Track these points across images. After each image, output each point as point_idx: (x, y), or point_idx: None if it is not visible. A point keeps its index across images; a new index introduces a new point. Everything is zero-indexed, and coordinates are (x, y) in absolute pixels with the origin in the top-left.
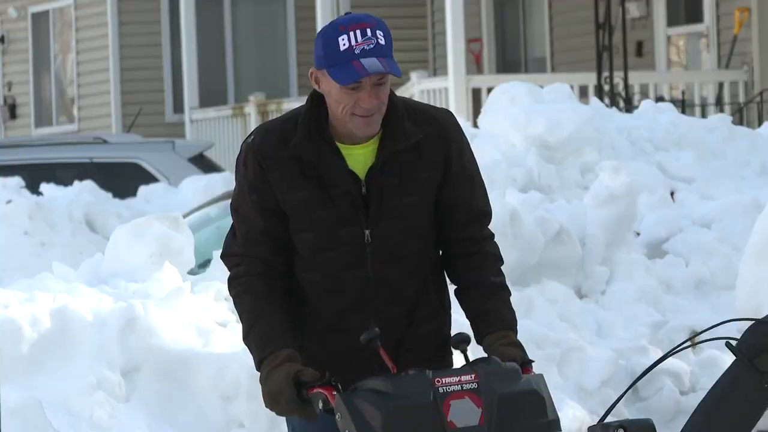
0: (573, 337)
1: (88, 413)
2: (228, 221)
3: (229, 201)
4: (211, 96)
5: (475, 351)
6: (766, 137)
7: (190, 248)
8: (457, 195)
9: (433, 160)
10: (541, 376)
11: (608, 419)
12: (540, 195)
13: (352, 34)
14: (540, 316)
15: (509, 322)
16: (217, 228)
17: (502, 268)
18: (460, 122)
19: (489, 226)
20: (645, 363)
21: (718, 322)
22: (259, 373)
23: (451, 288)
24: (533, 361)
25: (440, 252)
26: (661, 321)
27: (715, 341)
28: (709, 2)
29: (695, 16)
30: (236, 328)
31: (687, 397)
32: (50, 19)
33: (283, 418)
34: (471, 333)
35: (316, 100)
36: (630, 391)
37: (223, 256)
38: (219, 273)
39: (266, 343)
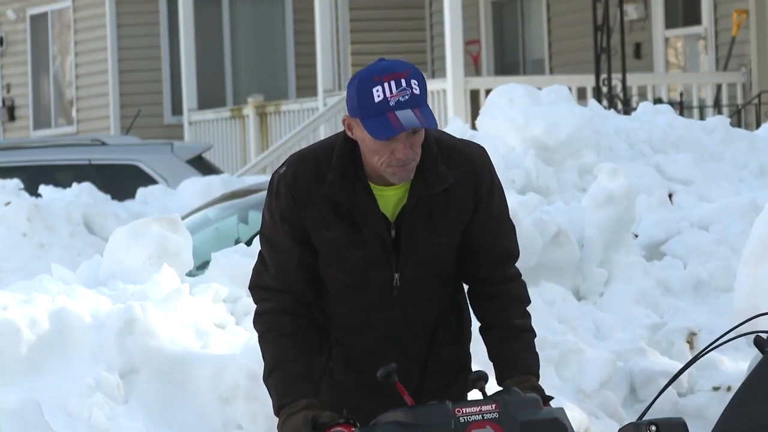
0: (571, 339)
1: (86, 415)
2: (227, 222)
3: (228, 202)
4: (209, 98)
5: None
6: (764, 139)
7: (188, 250)
8: (482, 235)
9: (462, 200)
10: (561, 409)
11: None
12: (538, 197)
13: (386, 85)
14: (538, 318)
15: (530, 366)
16: (216, 230)
17: (528, 308)
18: (491, 159)
19: (515, 267)
20: (643, 365)
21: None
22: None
23: (476, 324)
24: (552, 398)
25: (464, 285)
26: (660, 323)
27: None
28: (707, 4)
29: (693, 18)
30: (235, 329)
31: (685, 399)
32: (49, 20)
33: None
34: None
35: (350, 138)
36: (628, 392)
37: (252, 287)
38: (217, 275)
39: (286, 391)
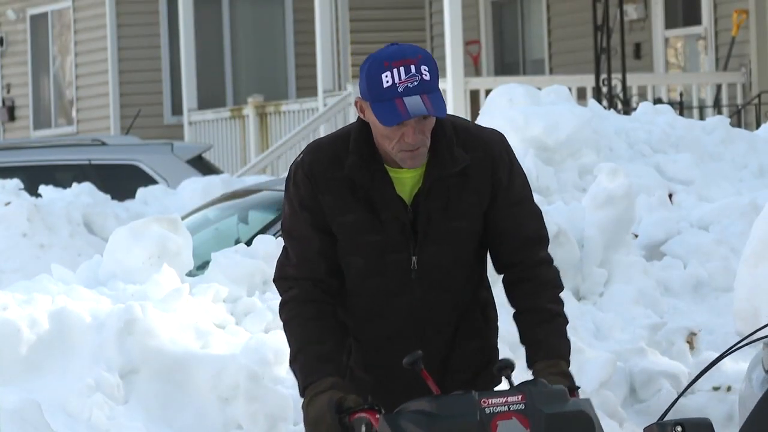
0: (571, 339)
1: (86, 415)
2: (227, 222)
3: (228, 202)
4: (209, 98)
5: (524, 377)
6: (764, 139)
7: (188, 250)
8: (506, 220)
9: (480, 184)
10: (588, 400)
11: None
12: (538, 197)
13: (395, 71)
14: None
15: (560, 351)
16: (216, 230)
17: (561, 294)
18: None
19: (546, 250)
20: (643, 365)
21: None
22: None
23: (510, 310)
24: (579, 387)
25: (497, 275)
26: (660, 323)
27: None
28: (707, 4)
29: (693, 18)
30: (235, 329)
31: (685, 399)
32: (49, 21)
33: (282, 420)
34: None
35: (366, 122)
36: (628, 392)
37: (276, 280)
38: (217, 275)
39: (311, 370)
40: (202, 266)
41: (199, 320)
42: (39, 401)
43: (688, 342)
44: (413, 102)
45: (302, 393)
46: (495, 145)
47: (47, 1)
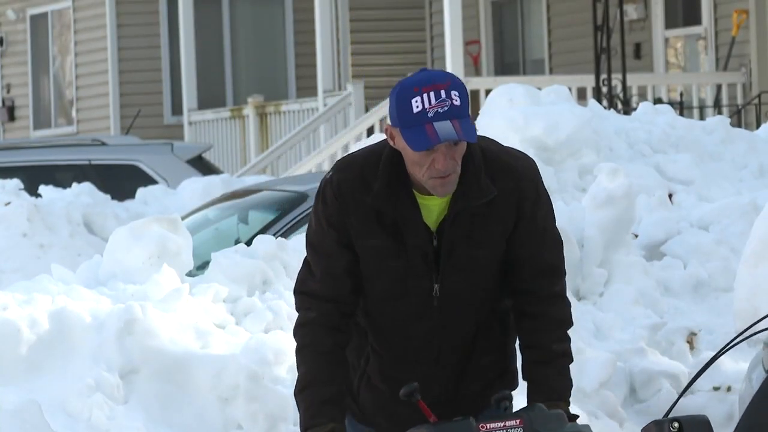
0: (571, 339)
1: (86, 415)
2: (226, 223)
3: (228, 202)
4: (209, 98)
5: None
6: (764, 139)
7: (188, 250)
8: (523, 248)
9: (504, 214)
10: (587, 425)
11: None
12: None
13: (425, 96)
14: None
15: (560, 392)
16: (216, 230)
17: (569, 331)
18: (539, 171)
19: (560, 284)
20: (643, 365)
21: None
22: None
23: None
24: (578, 416)
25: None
26: (660, 323)
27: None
28: (707, 4)
29: (693, 18)
30: (235, 329)
31: (685, 399)
32: (49, 21)
33: (282, 420)
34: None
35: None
36: (628, 392)
37: (296, 293)
38: (217, 275)
39: (315, 413)
40: (202, 266)
41: (199, 320)
42: (39, 401)
43: (688, 342)
44: (443, 127)
45: (302, 430)
46: (523, 174)
47: (47, 1)
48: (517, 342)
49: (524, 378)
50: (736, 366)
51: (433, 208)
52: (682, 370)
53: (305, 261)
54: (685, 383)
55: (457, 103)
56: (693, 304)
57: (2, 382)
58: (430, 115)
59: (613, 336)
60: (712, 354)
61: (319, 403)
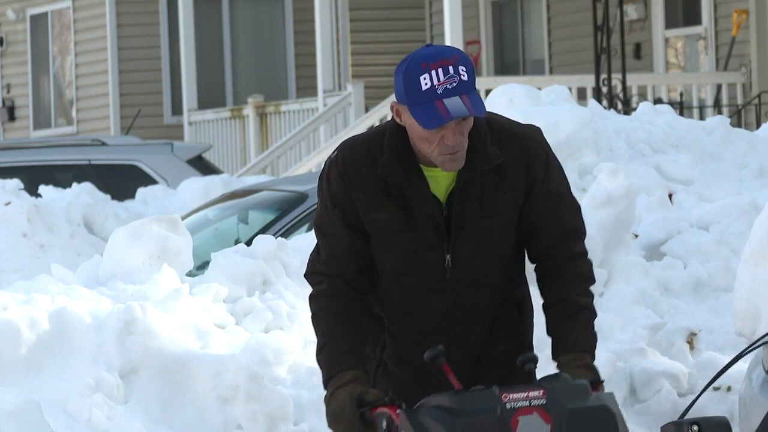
0: None
1: (86, 415)
2: (227, 222)
3: (229, 202)
4: (209, 98)
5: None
6: (764, 139)
7: (188, 250)
8: (542, 215)
9: (515, 181)
10: (611, 394)
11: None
12: None
13: (434, 72)
14: (538, 317)
15: (585, 344)
16: (216, 230)
17: (591, 288)
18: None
19: (581, 244)
20: (643, 365)
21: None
22: (324, 393)
23: (539, 301)
24: (603, 381)
25: (527, 266)
26: (660, 323)
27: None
28: (707, 4)
29: (693, 18)
30: (235, 329)
31: (685, 399)
32: (49, 21)
33: (282, 420)
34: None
35: (399, 123)
36: (628, 392)
37: (307, 275)
38: (217, 275)
39: (334, 363)
40: (202, 266)
41: (199, 320)
42: (39, 401)
43: (688, 342)
44: (454, 103)
45: (325, 385)
46: (531, 141)
47: (47, 1)
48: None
49: (549, 333)
50: (736, 366)
51: (441, 180)
52: (682, 371)
53: (315, 246)
54: (685, 383)
55: (465, 78)
56: (693, 304)
57: (2, 382)
58: (439, 91)
59: (613, 336)
60: (713, 354)
61: (338, 354)
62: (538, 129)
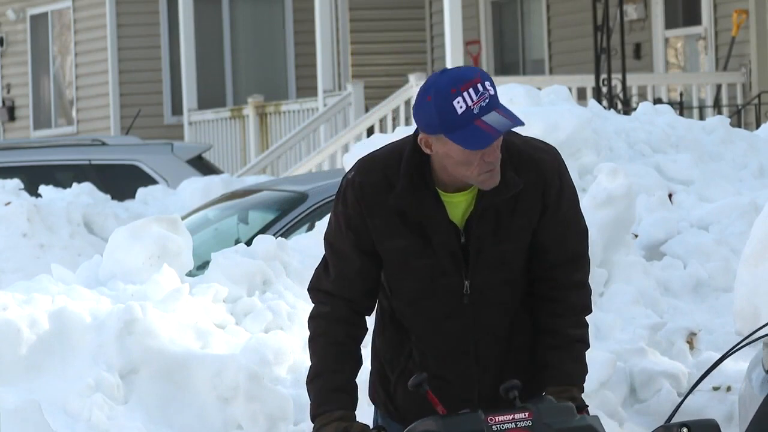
0: None
1: (86, 415)
2: (227, 222)
3: (229, 202)
4: (209, 98)
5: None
6: (764, 139)
7: (188, 250)
8: (548, 239)
9: (529, 206)
10: (596, 416)
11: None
12: None
13: (465, 94)
14: None
15: (573, 377)
16: (216, 230)
17: (587, 317)
18: (563, 161)
19: (583, 271)
20: (643, 365)
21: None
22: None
23: None
24: (587, 406)
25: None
26: (660, 323)
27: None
28: (707, 4)
29: (693, 18)
30: (234, 329)
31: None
32: (49, 21)
33: (282, 420)
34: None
35: (417, 147)
36: (628, 392)
37: (310, 289)
38: (217, 275)
39: (324, 400)
40: (202, 266)
41: (199, 320)
42: (39, 401)
43: (688, 342)
44: (494, 119)
45: (312, 419)
46: (547, 165)
47: (47, 1)
48: None
49: (537, 364)
50: (736, 366)
51: (458, 205)
52: (682, 370)
53: (323, 258)
54: (685, 383)
55: (492, 92)
56: (693, 304)
57: (2, 382)
58: (475, 111)
59: (613, 336)
60: (713, 354)
61: (328, 391)
62: (555, 151)
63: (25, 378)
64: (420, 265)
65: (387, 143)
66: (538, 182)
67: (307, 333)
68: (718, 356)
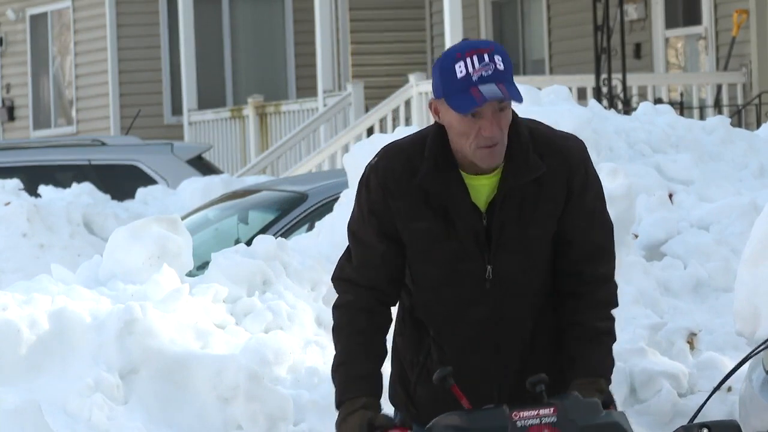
0: None
1: (86, 415)
2: (227, 222)
3: (229, 202)
4: (209, 98)
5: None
6: (764, 139)
7: (188, 250)
8: (573, 230)
9: (554, 193)
10: (623, 413)
11: None
12: None
13: (469, 60)
14: None
15: (600, 369)
16: (216, 230)
17: (613, 311)
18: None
19: (608, 266)
20: (643, 365)
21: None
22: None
23: None
24: (613, 402)
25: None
26: (660, 323)
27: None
28: (708, 4)
29: (693, 18)
30: (234, 330)
31: (685, 399)
32: (48, 21)
33: (282, 420)
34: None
35: (442, 127)
36: (628, 392)
37: (334, 279)
38: (217, 275)
39: (348, 388)
40: (202, 266)
41: (199, 320)
42: (39, 401)
43: (688, 342)
44: (488, 89)
45: (337, 407)
46: (573, 152)
47: (47, 1)
48: None
49: (565, 357)
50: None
51: (481, 189)
52: (682, 371)
53: (346, 248)
54: (685, 383)
55: (501, 67)
56: (693, 304)
57: (2, 382)
58: (474, 78)
59: None
60: (713, 354)
61: (353, 378)
62: (581, 142)
63: (24, 378)
64: (443, 248)
65: (408, 134)
66: (562, 169)
67: (308, 333)
68: (718, 356)
